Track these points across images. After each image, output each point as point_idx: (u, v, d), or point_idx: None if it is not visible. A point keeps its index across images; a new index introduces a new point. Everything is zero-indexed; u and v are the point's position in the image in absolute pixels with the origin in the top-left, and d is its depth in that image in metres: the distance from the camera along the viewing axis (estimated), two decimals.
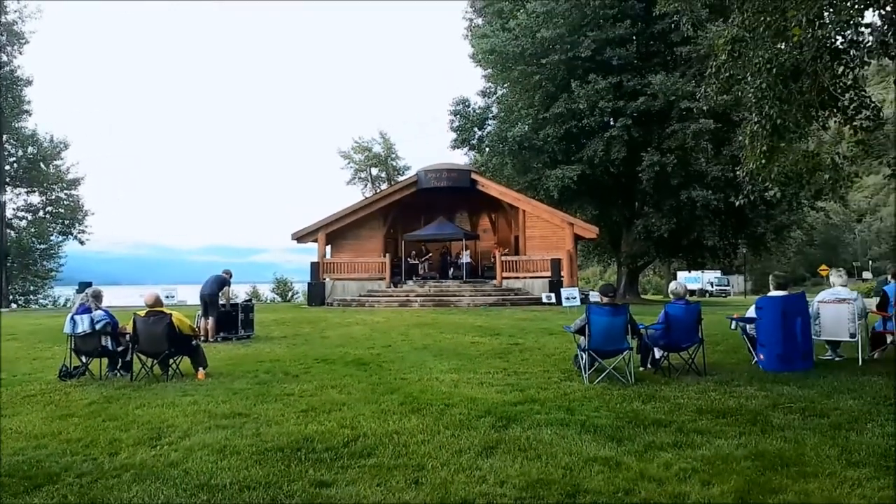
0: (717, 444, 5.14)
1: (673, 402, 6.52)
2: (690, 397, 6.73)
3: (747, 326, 8.93)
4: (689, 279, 52.87)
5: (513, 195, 27.44)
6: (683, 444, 5.15)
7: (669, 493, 4.25)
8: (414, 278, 27.93)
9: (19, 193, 40.07)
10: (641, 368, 8.29)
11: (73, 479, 4.54)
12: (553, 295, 20.50)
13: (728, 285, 57.94)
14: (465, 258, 27.86)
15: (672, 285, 8.58)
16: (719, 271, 54.58)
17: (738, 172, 10.65)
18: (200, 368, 8.49)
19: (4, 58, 36.22)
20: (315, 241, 28.21)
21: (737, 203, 11.87)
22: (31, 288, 42.10)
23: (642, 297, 38.00)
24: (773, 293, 8.39)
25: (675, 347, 8.26)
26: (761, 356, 8.27)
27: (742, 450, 4.97)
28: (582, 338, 7.84)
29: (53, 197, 40.31)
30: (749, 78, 9.40)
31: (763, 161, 9.52)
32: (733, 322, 9.60)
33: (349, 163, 53.46)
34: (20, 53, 36.93)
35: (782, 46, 9.13)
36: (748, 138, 9.73)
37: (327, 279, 27.56)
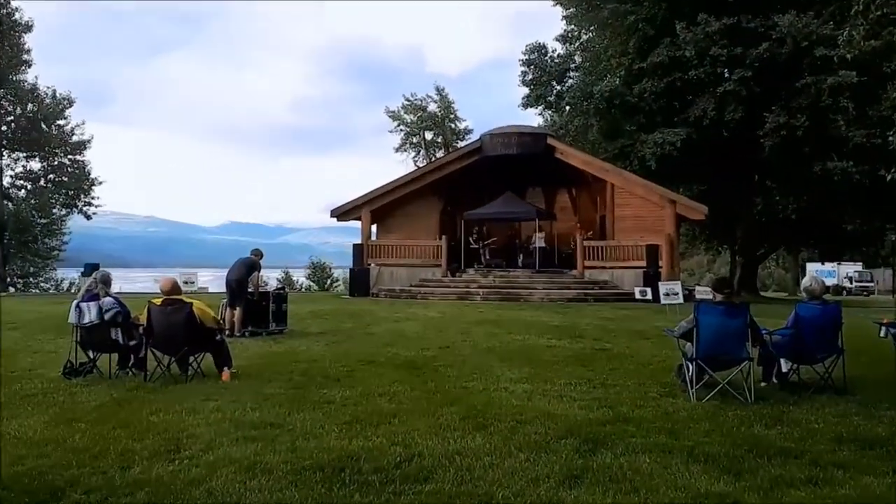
0: (863, 481, 4.93)
1: (805, 427, 6.30)
2: (827, 421, 6.51)
3: None
4: (823, 273, 51.12)
5: (599, 165, 27.12)
6: (820, 480, 4.96)
7: None
8: (475, 266, 27.98)
9: (17, 158, 40.75)
10: (763, 384, 8.09)
11: (80, 496, 4.70)
12: (648, 290, 20.16)
13: (871, 281, 55.82)
14: (539, 242, 27.72)
15: (806, 281, 8.35)
16: (860, 264, 52.73)
17: (890, 138, 10.16)
18: (226, 368, 8.70)
19: None
20: (358, 218, 28.60)
21: (888, 177, 11.37)
22: (31, 269, 43.33)
23: (762, 294, 37.10)
24: None
25: (808, 359, 8.07)
26: None
27: None
28: (688, 344, 7.70)
29: (56, 163, 41.01)
30: None
31: None
32: (883, 329, 9.22)
33: (399, 125, 53.86)
34: None
35: None
36: None
37: (372, 265, 27.90)
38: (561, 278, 25.95)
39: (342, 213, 28.81)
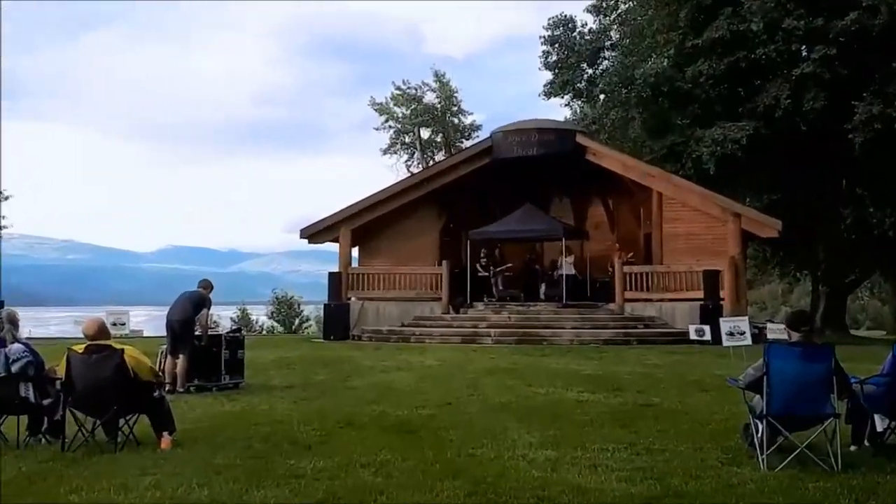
0: None
1: None
2: None
3: None
4: None
5: (643, 169, 27.30)
6: None
7: None
8: (485, 300, 28.05)
9: None
10: (854, 447, 8.09)
11: None
12: (707, 328, 20.19)
13: None
14: (566, 269, 27.82)
15: None
16: None
17: None
18: (165, 433, 8.72)
19: None
20: (336, 240, 28.78)
21: None
22: None
23: (852, 332, 37.03)
24: None
25: None
26: None
27: None
28: (757, 397, 7.71)
29: None
30: None
31: None
32: None
33: (387, 120, 54.12)
34: None
35: None
36: None
37: (353, 299, 28.00)
38: (595, 314, 25.97)
39: (315, 234, 28.96)
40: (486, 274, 28.72)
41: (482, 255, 28.98)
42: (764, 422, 7.53)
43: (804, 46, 28.23)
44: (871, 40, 26.71)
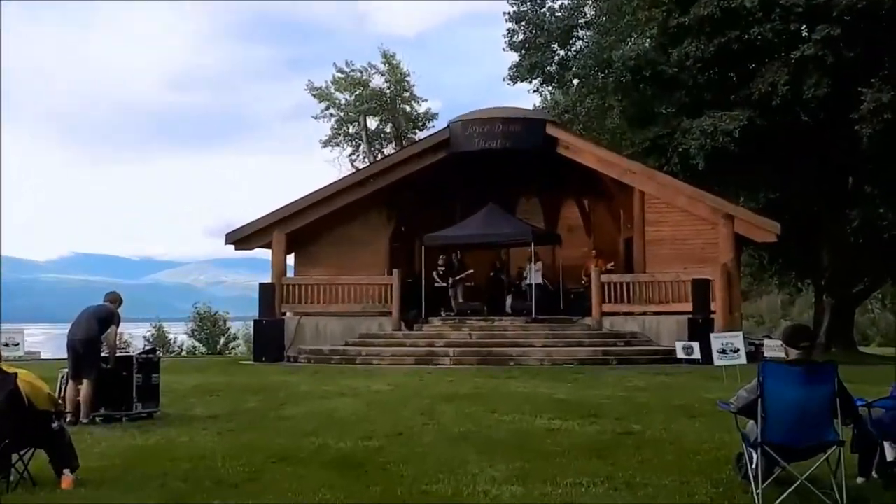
0: None
1: None
2: None
3: None
4: None
5: (623, 165, 27.52)
6: None
7: None
8: (443, 313, 28.08)
9: None
10: (861, 479, 8.17)
11: None
12: (696, 345, 20.35)
13: None
14: (536, 278, 27.95)
15: None
16: None
17: None
18: (66, 471, 8.61)
19: None
20: (268, 245, 28.66)
21: None
22: None
23: (860, 349, 37.43)
24: None
25: None
26: None
27: None
28: (751, 422, 7.77)
29: None
30: None
31: None
32: None
33: (328, 107, 53.97)
34: None
35: None
36: None
37: (289, 314, 27.89)
38: (569, 330, 26.08)
39: (243, 239, 28.80)
40: (444, 284, 28.75)
41: (439, 262, 28.99)
42: (759, 451, 7.53)
43: (804, 26, 28.47)
44: (879, 19, 26.89)
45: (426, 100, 55.59)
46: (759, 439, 7.55)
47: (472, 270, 29.57)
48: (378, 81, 53.94)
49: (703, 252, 25.68)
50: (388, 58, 53.96)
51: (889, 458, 8.21)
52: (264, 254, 29.15)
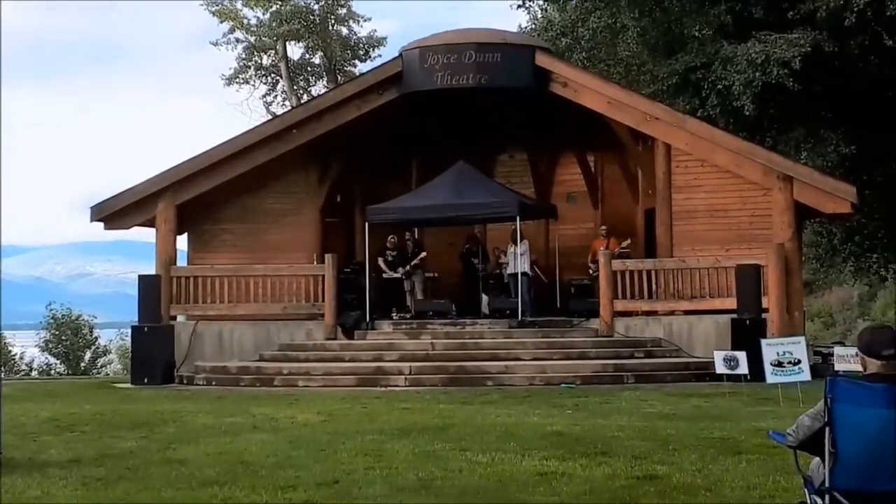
0: None
1: None
2: None
3: None
4: None
5: (642, 108, 27.45)
6: None
7: None
8: (395, 315, 28.08)
9: None
10: None
11: None
12: (741, 356, 20.40)
13: None
14: (522, 264, 27.94)
15: None
16: None
17: None
18: None
19: None
20: (150, 223, 28.46)
21: None
22: None
23: None
24: None
25: None
26: None
27: None
28: (816, 460, 7.80)
29: None
30: None
31: None
32: None
33: (233, 30, 53.52)
34: None
35: None
36: None
37: (181, 318, 27.74)
38: (568, 337, 26.19)
39: (115, 214, 28.55)
40: (396, 275, 28.75)
41: (388, 245, 28.99)
42: (827, 499, 7.57)
43: None
44: None
45: (369, 18, 54.88)
46: (827, 484, 7.54)
47: (424, 254, 29.59)
48: None
49: (752, 228, 25.80)
50: None
51: None
52: (146, 234, 29.03)
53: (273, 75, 54.36)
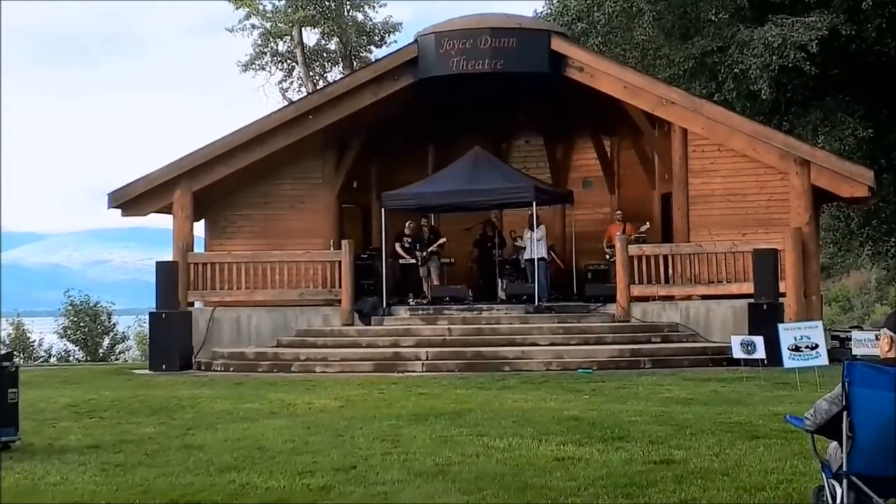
0: None
1: None
2: None
3: None
4: None
5: (659, 93, 27.37)
6: None
7: None
8: (412, 301, 28.08)
9: None
10: None
11: None
12: (759, 340, 20.36)
13: None
14: (538, 251, 27.93)
15: None
16: None
17: None
18: None
19: None
20: (167, 210, 28.50)
21: None
22: None
23: None
24: None
25: None
26: None
27: None
28: (833, 444, 7.77)
29: None
30: None
31: None
32: None
33: (249, 16, 53.49)
34: None
35: None
36: None
37: (199, 304, 27.78)
38: (585, 322, 26.15)
39: (132, 200, 28.60)
40: (413, 261, 28.73)
41: (405, 231, 28.97)
42: (845, 483, 7.56)
43: None
44: None
45: (385, 4, 54.91)
46: (845, 468, 7.53)
47: (444, 240, 29.57)
48: None
49: (769, 212, 25.73)
50: None
51: None
52: (163, 221, 29.04)
53: (289, 61, 54.33)
